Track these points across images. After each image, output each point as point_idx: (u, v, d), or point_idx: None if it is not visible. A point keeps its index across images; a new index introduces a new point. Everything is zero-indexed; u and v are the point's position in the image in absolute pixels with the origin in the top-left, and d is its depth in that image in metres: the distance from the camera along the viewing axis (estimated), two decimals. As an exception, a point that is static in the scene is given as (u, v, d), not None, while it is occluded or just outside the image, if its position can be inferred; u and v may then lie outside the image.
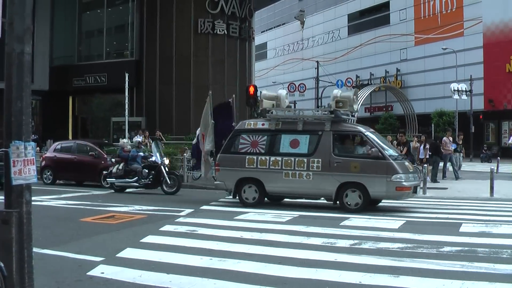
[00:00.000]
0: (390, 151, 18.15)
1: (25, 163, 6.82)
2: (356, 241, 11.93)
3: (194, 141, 22.33)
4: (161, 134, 34.15)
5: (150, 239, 12.43)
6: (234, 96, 22.56)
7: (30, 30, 7.12)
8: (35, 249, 7.29)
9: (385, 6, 71.69)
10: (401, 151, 24.16)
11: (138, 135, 33.17)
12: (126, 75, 33.27)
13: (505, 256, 10.64)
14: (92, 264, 9.93)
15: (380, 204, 18.59)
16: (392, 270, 9.41)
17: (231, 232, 13.32)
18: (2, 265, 6.62)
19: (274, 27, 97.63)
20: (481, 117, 57.11)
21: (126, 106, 33.62)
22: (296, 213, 16.76)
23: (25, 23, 7.06)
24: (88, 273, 9.34)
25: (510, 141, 44.01)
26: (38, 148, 33.01)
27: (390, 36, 69.68)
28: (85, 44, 50.38)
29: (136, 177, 23.50)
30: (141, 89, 43.49)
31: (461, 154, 33.13)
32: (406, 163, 18.25)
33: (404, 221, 15.06)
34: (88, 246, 11.80)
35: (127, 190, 24.04)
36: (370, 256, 10.53)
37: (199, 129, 21.54)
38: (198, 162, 21.57)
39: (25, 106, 6.88)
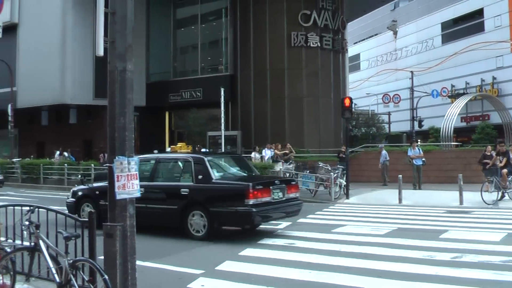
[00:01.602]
0: None
1: (128, 178, 6.98)
2: (456, 254, 11.69)
3: None
4: (291, 146, 33.54)
5: (248, 252, 12.50)
6: None
7: (132, 48, 7.31)
8: (136, 262, 7.46)
9: (479, 13, 70.05)
10: (500, 161, 23.66)
11: (266, 148, 32.80)
12: (222, 89, 33.62)
13: None
14: (192, 277, 10.05)
15: (478, 212, 18.08)
16: (495, 284, 9.20)
17: (329, 245, 13.26)
18: (107, 277, 6.79)
19: (367, 38, 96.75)
20: None
21: (222, 120, 33.94)
22: (395, 226, 16.55)
23: (126, 41, 7.27)
24: (188, 286, 9.48)
25: None
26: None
27: (485, 44, 68.06)
28: (180, 60, 51.19)
29: None
30: (236, 103, 43.87)
31: None
32: None
33: (506, 234, 14.60)
34: (188, 258, 11.96)
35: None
36: (471, 270, 10.31)
37: None
38: None
39: (128, 122, 7.06)
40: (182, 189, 14.71)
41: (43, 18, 46.30)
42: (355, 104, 64.49)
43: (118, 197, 6.98)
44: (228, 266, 11.06)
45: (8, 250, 8.30)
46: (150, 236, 14.49)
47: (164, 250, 13.00)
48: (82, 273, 7.41)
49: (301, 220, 18.33)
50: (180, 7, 50.19)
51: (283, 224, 17.11)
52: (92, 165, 34.77)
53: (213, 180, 14.51)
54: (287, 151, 32.10)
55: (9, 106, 42.80)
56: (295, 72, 43.08)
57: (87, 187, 17.90)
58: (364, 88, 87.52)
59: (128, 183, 6.97)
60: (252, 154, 33.30)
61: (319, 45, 43.68)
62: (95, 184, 18.00)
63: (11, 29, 47.74)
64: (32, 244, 7.99)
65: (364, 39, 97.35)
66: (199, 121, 44.04)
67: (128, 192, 6.99)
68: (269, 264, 11.14)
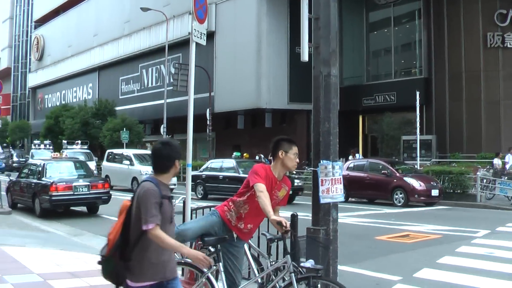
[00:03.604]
0: None
1: (332, 182, 7.03)
2: None
3: None
4: None
5: (446, 259, 12.24)
6: None
7: (335, 53, 7.36)
8: (338, 266, 7.52)
9: None
10: None
11: (510, 154, 30.94)
12: (417, 93, 33.13)
13: None
14: (389, 283, 9.99)
15: None
16: None
17: (531, 255, 12.73)
18: (310, 280, 6.86)
19: None
20: None
21: (417, 124, 33.43)
22: None
23: (330, 46, 7.32)
24: (385, 292, 9.43)
25: None
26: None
27: None
28: (373, 63, 50.84)
29: None
30: (430, 107, 42.99)
31: None
32: None
33: None
34: (385, 264, 11.89)
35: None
36: None
37: None
38: None
39: (332, 126, 7.11)
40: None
41: (239, 26, 47.75)
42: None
43: (322, 201, 7.05)
44: (426, 273, 10.88)
45: (212, 249, 8.54)
46: (347, 241, 14.53)
47: (361, 255, 13.01)
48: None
49: (500, 228, 17.75)
50: (373, 11, 49.86)
51: (481, 232, 16.64)
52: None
53: (42, 178, 21.87)
54: None
55: (207, 110, 44.39)
56: (492, 74, 41.59)
57: None
58: None
59: (332, 187, 7.01)
60: (495, 160, 31.63)
61: (516, 45, 41.91)
62: None
63: (208, 37, 49.08)
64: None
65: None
66: (392, 125, 43.55)
67: (331, 196, 7.04)
68: (468, 273, 10.85)
